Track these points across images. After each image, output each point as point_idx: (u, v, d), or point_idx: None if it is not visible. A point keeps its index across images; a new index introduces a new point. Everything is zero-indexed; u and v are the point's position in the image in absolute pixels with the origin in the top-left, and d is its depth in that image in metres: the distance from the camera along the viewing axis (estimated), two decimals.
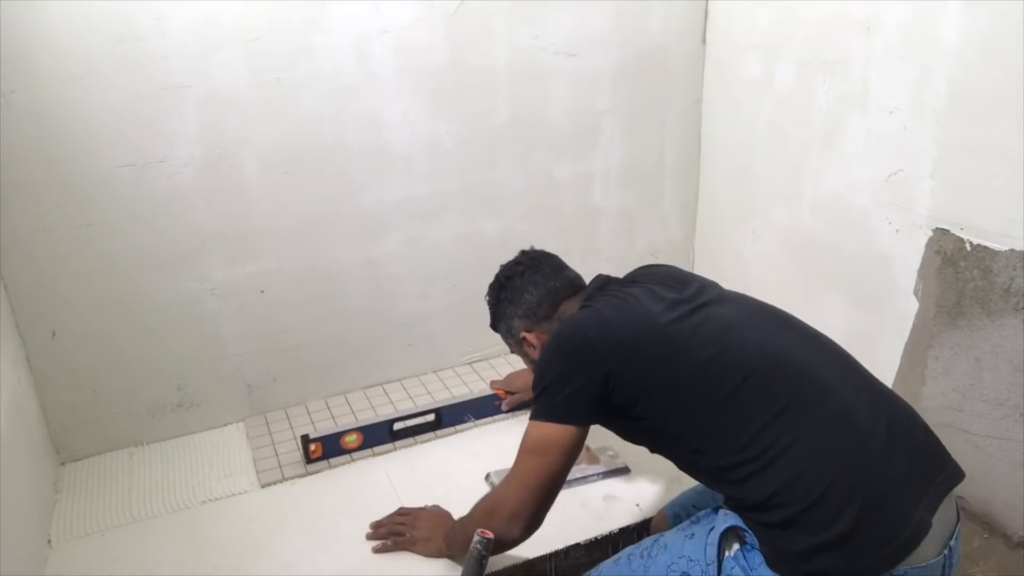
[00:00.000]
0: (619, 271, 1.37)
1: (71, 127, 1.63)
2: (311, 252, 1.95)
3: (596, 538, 1.54)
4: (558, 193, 2.20)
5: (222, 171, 1.79)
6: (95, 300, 1.77)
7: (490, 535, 1.34)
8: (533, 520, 1.24)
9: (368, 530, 1.55)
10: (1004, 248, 1.54)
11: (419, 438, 1.89)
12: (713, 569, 1.11)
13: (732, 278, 2.37)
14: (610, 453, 1.76)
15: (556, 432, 1.19)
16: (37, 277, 1.70)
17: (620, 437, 1.31)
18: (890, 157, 1.73)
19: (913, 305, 1.75)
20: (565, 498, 1.64)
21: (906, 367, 1.81)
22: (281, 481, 1.76)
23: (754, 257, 2.21)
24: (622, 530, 1.56)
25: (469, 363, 2.24)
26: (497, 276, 1.46)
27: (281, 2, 1.72)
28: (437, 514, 1.52)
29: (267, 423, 1.99)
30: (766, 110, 2.06)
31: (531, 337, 1.38)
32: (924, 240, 1.70)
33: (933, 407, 1.75)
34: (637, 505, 1.63)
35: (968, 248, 1.61)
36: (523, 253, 1.47)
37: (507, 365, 2.22)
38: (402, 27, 1.85)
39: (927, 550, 1.03)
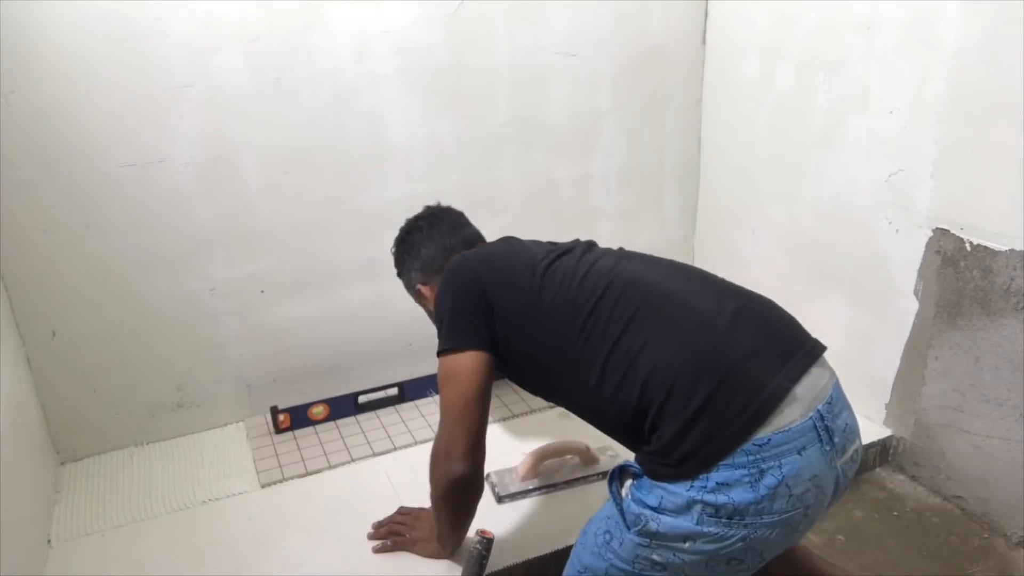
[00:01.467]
0: None
1: (71, 127, 1.63)
2: (311, 252, 1.95)
3: None
4: (558, 193, 2.20)
5: (222, 171, 1.79)
6: (95, 300, 1.77)
7: (491, 535, 1.34)
8: (468, 448, 1.26)
9: (369, 530, 1.55)
10: (1004, 248, 1.54)
11: (418, 437, 1.89)
12: (618, 515, 1.14)
13: (732, 278, 2.36)
14: (610, 453, 1.76)
15: (459, 359, 1.26)
16: (37, 277, 1.71)
17: (519, 386, 1.40)
18: (890, 157, 1.74)
19: (913, 305, 1.75)
20: (565, 498, 1.65)
21: (906, 367, 1.81)
22: (281, 481, 1.76)
23: (754, 257, 2.21)
24: None
25: None
26: (400, 229, 1.55)
27: (281, 2, 1.72)
28: (431, 523, 1.51)
29: (267, 423, 1.99)
30: (766, 110, 2.06)
31: (425, 290, 1.48)
32: (924, 240, 1.70)
33: (933, 407, 1.75)
34: None
35: (968, 248, 1.61)
36: (426, 208, 1.56)
37: None
38: (402, 27, 1.85)
39: (789, 415, 1.04)
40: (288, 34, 1.75)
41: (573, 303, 1.21)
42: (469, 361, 1.26)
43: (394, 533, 1.52)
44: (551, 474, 1.70)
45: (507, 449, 1.81)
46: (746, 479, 1.02)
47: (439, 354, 1.30)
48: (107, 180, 1.69)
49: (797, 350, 1.11)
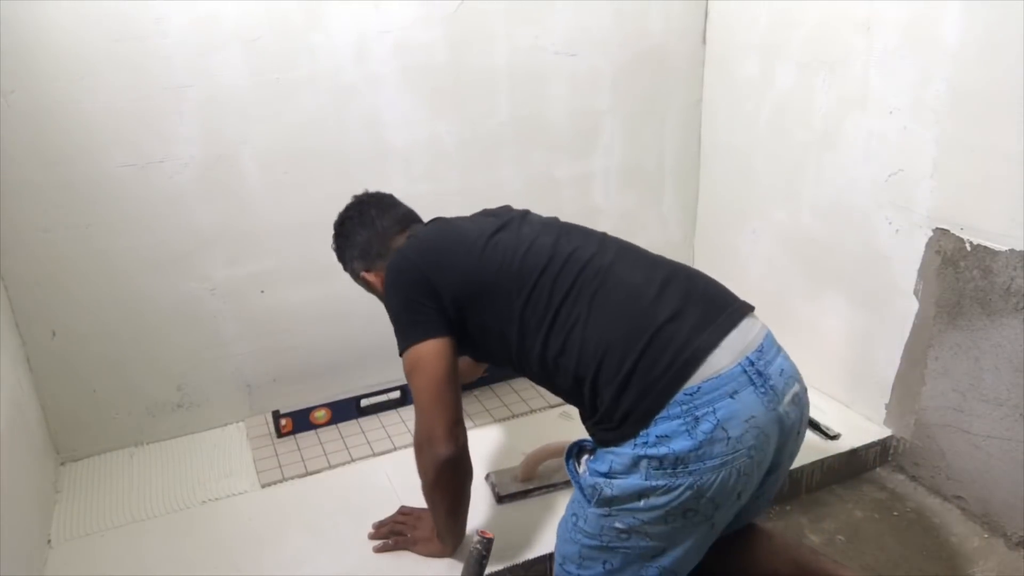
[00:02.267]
0: None
1: (71, 127, 1.63)
2: (311, 252, 1.95)
3: None
4: (558, 193, 2.20)
5: (222, 171, 1.79)
6: (95, 300, 1.77)
7: (490, 535, 1.34)
8: (448, 429, 1.28)
9: (370, 530, 1.55)
10: (1004, 248, 1.54)
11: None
12: (579, 493, 1.20)
13: (732, 278, 2.36)
14: None
15: (420, 349, 1.29)
16: (37, 277, 1.71)
17: (479, 360, 1.45)
18: (890, 157, 1.73)
19: (913, 305, 1.75)
20: (565, 498, 1.65)
21: (906, 367, 1.81)
22: (281, 481, 1.76)
23: (754, 257, 2.21)
24: None
25: None
26: (334, 224, 1.56)
27: (281, 2, 1.72)
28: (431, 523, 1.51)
29: (267, 423, 1.99)
30: (766, 110, 2.06)
31: (370, 276, 1.49)
32: (924, 240, 1.70)
33: (933, 407, 1.75)
34: None
35: (968, 248, 1.61)
36: (354, 197, 1.57)
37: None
38: (402, 27, 1.85)
39: (716, 363, 1.10)
40: (288, 34, 1.75)
41: (517, 276, 1.26)
42: (431, 347, 1.29)
43: (395, 533, 1.52)
44: (551, 474, 1.70)
45: (507, 449, 1.81)
46: (683, 428, 1.08)
47: (401, 353, 1.32)
48: (107, 180, 1.70)
49: (723, 311, 1.17)
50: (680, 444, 1.08)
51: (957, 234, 1.63)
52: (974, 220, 1.59)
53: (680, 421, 1.08)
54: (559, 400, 2.03)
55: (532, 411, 2.02)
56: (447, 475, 1.31)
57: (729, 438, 1.08)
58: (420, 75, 1.91)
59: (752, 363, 1.12)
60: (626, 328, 1.16)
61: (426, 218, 1.55)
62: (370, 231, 1.49)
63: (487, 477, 1.72)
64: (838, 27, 1.79)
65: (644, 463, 1.10)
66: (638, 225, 2.35)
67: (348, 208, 1.56)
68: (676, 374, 1.10)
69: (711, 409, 1.08)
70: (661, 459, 1.08)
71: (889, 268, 1.79)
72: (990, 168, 1.54)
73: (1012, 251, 1.52)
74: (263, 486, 1.75)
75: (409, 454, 1.83)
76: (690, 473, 1.08)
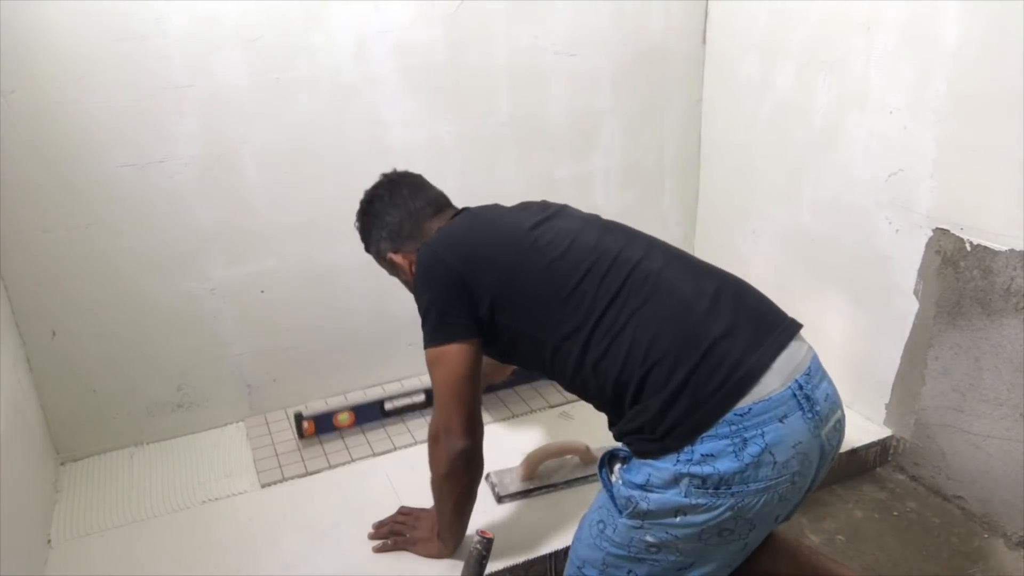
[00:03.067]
0: None
1: (71, 127, 1.63)
2: (311, 252, 1.95)
3: None
4: (558, 193, 2.18)
5: (222, 171, 1.79)
6: (95, 300, 1.77)
7: (490, 535, 1.34)
8: (466, 423, 1.28)
9: (370, 530, 1.55)
10: (1004, 248, 1.54)
11: (418, 437, 1.89)
12: (609, 501, 1.17)
13: None
14: None
15: (443, 350, 1.26)
16: (37, 277, 1.70)
17: (504, 361, 1.38)
18: (890, 157, 1.73)
19: (913, 305, 1.75)
20: (565, 498, 1.65)
21: (906, 367, 1.81)
22: (281, 481, 1.76)
23: (754, 256, 2.21)
24: None
25: None
26: (361, 201, 1.49)
27: (281, 2, 1.72)
28: (432, 521, 1.50)
29: (267, 423, 1.99)
30: (766, 110, 2.06)
31: (397, 258, 1.42)
32: (924, 240, 1.70)
33: (933, 407, 1.75)
34: None
35: (968, 248, 1.61)
36: (384, 176, 1.50)
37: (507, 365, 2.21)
38: (402, 27, 1.85)
39: (768, 385, 1.07)
40: (288, 34, 1.75)
41: (558, 276, 1.22)
42: (455, 349, 1.26)
43: (395, 533, 1.52)
44: (551, 474, 1.70)
45: (507, 449, 1.81)
46: (730, 448, 1.05)
47: (424, 347, 1.30)
48: (107, 180, 1.69)
49: (774, 328, 1.14)
50: (726, 465, 1.04)
51: (957, 234, 1.63)
52: (974, 220, 1.59)
53: (728, 441, 1.05)
54: (559, 400, 2.04)
55: (532, 411, 2.02)
56: (459, 467, 1.30)
57: (775, 463, 1.05)
58: (420, 75, 1.91)
59: (801, 387, 1.08)
60: (679, 339, 1.11)
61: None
62: (401, 212, 1.42)
63: (487, 477, 1.71)
64: (838, 27, 1.79)
65: (686, 480, 1.06)
66: (638, 225, 2.33)
67: (377, 186, 1.49)
68: (728, 393, 1.06)
69: (760, 432, 1.05)
70: (704, 478, 1.05)
71: (889, 268, 1.79)
72: (990, 168, 1.54)
73: (1012, 251, 1.52)
74: (263, 486, 1.75)
75: (409, 454, 1.85)
76: (732, 495, 1.05)
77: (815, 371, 1.13)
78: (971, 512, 1.72)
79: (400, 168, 1.97)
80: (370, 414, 1.95)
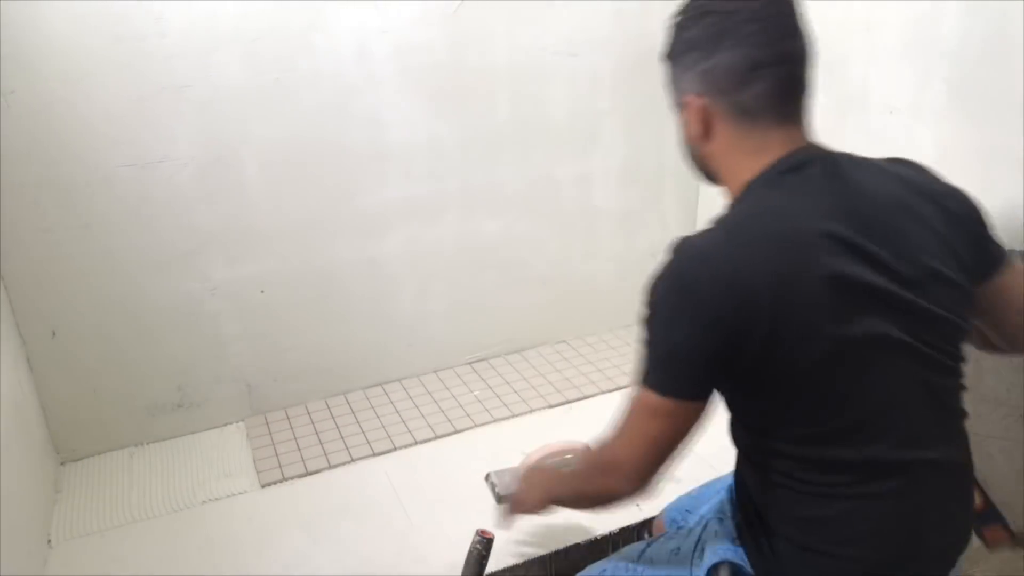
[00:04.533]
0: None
1: (71, 127, 1.63)
2: (311, 252, 1.95)
3: (596, 538, 1.55)
4: (558, 193, 2.20)
5: (222, 171, 1.79)
6: (95, 300, 1.77)
7: (490, 535, 1.34)
8: (640, 472, 0.94)
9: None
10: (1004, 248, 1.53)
11: (418, 437, 1.90)
12: None
13: None
14: None
15: (660, 403, 0.89)
16: (37, 277, 1.70)
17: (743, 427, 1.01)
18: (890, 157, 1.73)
19: None
20: None
21: None
22: (281, 481, 1.76)
23: None
24: (622, 530, 1.56)
25: (469, 363, 2.24)
26: (692, 4, 0.97)
27: (281, 2, 1.72)
28: (533, 479, 1.24)
29: (267, 423, 1.99)
30: None
31: (696, 102, 0.93)
32: None
33: None
34: (637, 505, 1.62)
35: None
36: None
37: (507, 365, 2.22)
38: (402, 27, 1.85)
39: None
40: (288, 34, 1.75)
41: (834, 392, 0.87)
42: (673, 406, 0.89)
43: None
44: None
45: (507, 449, 1.81)
46: None
47: (637, 380, 0.93)
48: (107, 180, 1.69)
49: (959, 554, 0.98)
50: None
51: None
52: None
53: None
54: (559, 400, 2.04)
55: (532, 411, 2.02)
56: (602, 505, 1.02)
57: None
58: (420, 75, 1.91)
59: None
60: (884, 552, 0.92)
61: None
62: (739, 52, 0.88)
63: (487, 477, 1.71)
64: (838, 27, 1.79)
65: None
66: (638, 225, 2.35)
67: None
68: None
69: None
70: None
71: None
72: (990, 168, 1.53)
73: (1012, 251, 1.52)
74: (263, 486, 1.75)
75: (409, 454, 1.85)
76: None
77: None
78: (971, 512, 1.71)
79: (401, 168, 1.99)
80: None
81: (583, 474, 1.07)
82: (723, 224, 0.91)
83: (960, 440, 0.98)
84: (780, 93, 0.90)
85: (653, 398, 0.89)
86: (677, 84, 1.00)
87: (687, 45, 0.96)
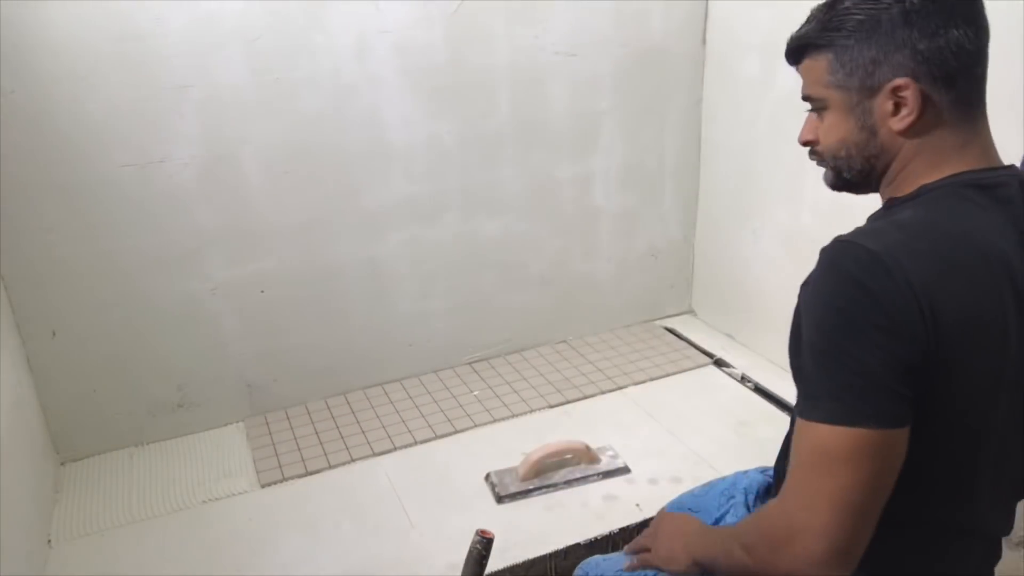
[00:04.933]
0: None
1: (71, 127, 1.63)
2: (311, 252, 1.95)
3: (596, 538, 1.55)
4: (558, 193, 2.20)
5: (222, 171, 1.79)
6: (95, 300, 1.77)
7: (490, 535, 1.34)
8: (839, 550, 0.72)
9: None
10: None
11: (418, 437, 1.90)
12: None
13: (733, 278, 2.37)
14: (610, 453, 1.76)
15: (842, 439, 0.72)
16: (37, 277, 1.71)
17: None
18: None
19: None
20: (565, 498, 1.65)
21: None
22: (281, 481, 1.76)
23: (754, 257, 2.21)
24: (622, 530, 1.56)
25: (469, 363, 2.24)
26: None
27: (281, 2, 1.72)
28: (673, 527, 1.08)
29: (267, 423, 1.99)
30: (766, 110, 2.06)
31: (909, 91, 0.82)
32: None
33: None
34: (637, 505, 1.63)
35: None
36: None
37: (507, 365, 2.22)
38: (402, 27, 1.85)
39: None
40: (288, 34, 1.75)
41: (979, 428, 0.77)
42: (860, 444, 0.71)
43: (640, 548, 1.14)
44: (551, 474, 1.70)
45: (507, 449, 1.81)
46: None
47: (801, 414, 0.76)
48: (107, 180, 1.69)
49: None
50: None
51: None
52: None
53: None
54: (559, 400, 2.04)
55: (532, 411, 2.02)
56: None
57: None
58: (420, 75, 1.91)
59: None
60: None
61: None
62: (970, 39, 0.87)
63: (487, 477, 1.72)
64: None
65: None
66: (638, 225, 2.35)
67: None
68: None
69: None
70: None
71: None
72: None
73: None
74: (263, 486, 1.75)
75: (409, 454, 1.85)
76: None
77: None
78: None
79: (401, 168, 1.99)
80: None
81: (749, 546, 0.82)
82: (898, 226, 0.80)
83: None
84: (982, 88, 0.84)
85: (842, 434, 0.71)
86: (871, 64, 0.85)
87: (902, 18, 0.83)
